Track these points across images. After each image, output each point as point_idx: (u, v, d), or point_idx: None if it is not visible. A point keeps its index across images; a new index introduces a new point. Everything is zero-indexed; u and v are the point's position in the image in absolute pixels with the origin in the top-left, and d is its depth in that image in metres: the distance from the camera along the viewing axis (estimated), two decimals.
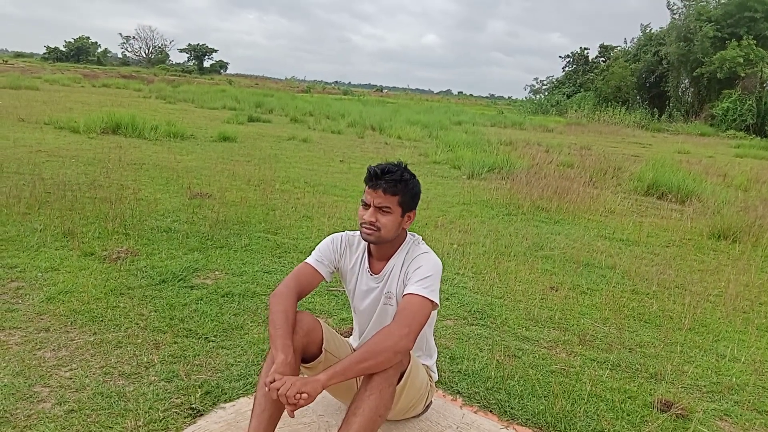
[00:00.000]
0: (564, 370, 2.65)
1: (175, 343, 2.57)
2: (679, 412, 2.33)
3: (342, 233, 2.09)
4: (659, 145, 18.21)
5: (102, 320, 2.73)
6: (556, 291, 3.79)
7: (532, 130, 21.05)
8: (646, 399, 2.44)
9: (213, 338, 2.65)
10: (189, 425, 1.97)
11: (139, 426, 1.92)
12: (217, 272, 3.54)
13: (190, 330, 2.70)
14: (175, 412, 2.04)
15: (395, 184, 1.85)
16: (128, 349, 2.48)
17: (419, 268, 1.88)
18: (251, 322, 2.87)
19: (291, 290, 1.87)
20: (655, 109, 32.29)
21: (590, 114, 30.07)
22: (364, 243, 2.04)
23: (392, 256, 1.98)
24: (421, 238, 2.04)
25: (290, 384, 1.55)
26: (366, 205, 1.89)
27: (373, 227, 1.87)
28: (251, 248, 4.07)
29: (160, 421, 1.97)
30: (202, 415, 2.04)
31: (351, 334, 2.28)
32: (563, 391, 2.44)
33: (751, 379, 2.72)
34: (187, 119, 13.10)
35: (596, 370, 2.67)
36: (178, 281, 3.30)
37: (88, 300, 2.92)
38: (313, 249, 2.05)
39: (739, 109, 27.74)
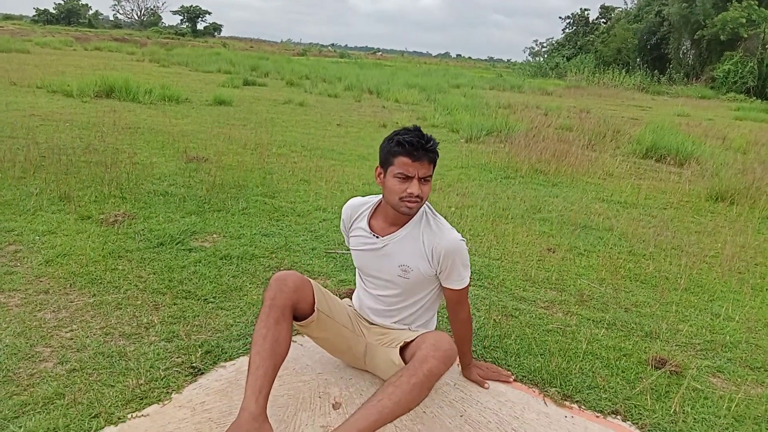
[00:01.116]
0: (560, 329, 2.68)
1: (175, 304, 2.58)
2: (672, 369, 2.37)
3: (349, 201, 2.11)
4: (659, 108, 18.06)
5: (101, 282, 2.73)
6: (554, 252, 3.81)
7: (531, 93, 20.83)
8: (640, 356, 2.47)
9: (212, 300, 2.66)
10: (190, 383, 2.00)
11: (141, 384, 1.95)
12: (215, 235, 3.54)
13: (189, 292, 2.71)
14: (176, 370, 2.06)
15: (432, 151, 1.82)
16: (128, 310, 2.49)
17: (454, 259, 1.89)
18: (250, 284, 2.88)
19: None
20: (656, 71, 31.93)
21: (590, 77, 29.72)
22: (369, 204, 2.04)
23: (405, 224, 1.94)
24: (431, 206, 2.02)
25: None
26: (406, 177, 1.81)
27: (419, 199, 1.84)
28: (249, 212, 4.06)
29: (162, 380, 1.99)
30: (202, 373, 2.07)
31: (350, 296, 2.29)
32: (559, 349, 2.47)
33: (744, 337, 2.76)
34: (182, 83, 12.92)
35: (592, 329, 2.70)
36: (176, 244, 3.30)
37: (87, 263, 2.92)
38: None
39: (740, 71, 27.43)
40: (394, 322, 2.05)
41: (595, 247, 3.98)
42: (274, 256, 3.28)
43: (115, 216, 3.62)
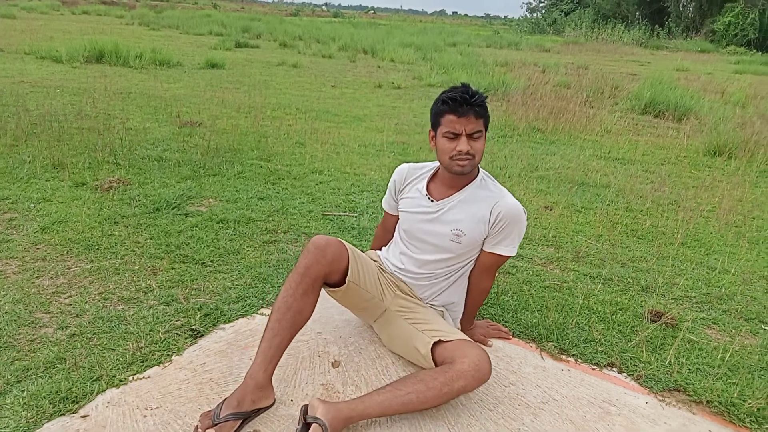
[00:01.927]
0: (557, 285, 2.70)
1: (173, 268, 2.58)
2: (668, 321, 2.39)
3: (404, 165, 2.09)
4: (658, 62, 17.81)
5: (98, 248, 2.73)
6: (551, 210, 3.80)
7: (529, 50, 20.50)
8: (636, 310, 2.49)
9: (210, 263, 2.67)
10: (190, 345, 2.01)
11: (141, 347, 1.96)
12: (211, 199, 3.52)
13: (187, 256, 2.71)
14: (176, 333, 2.07)
15: (479, 105, 1.77)
16: (126, 275, 2.49)
17: (512, 225, 1.86)
18: (247, 247, 2.88)
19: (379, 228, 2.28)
20: (656, 25, 31.37)
21: (588, 32, 29.21)
22: (427, 168, 2.01)
23: (463, 187, 1.91)
24: (490, 175, 1.99)
25: None
26: (454, 135, 1.78)
27: (469, 156, 1.80)
28: (244, 175, 4.04)
29: (162, 342, 2.00)
30: (202, 335, 2.08)
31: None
32: (556, 304, 2.49)
33: (739, 289, 2.78)
34: (173, 46, 12.68)
35: (589, 285, 2.72)
36: (172, 209, 3.28)
37: (83, 229, 2.92)
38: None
39: (740, 23, 26.96)
40: (428, 294, 2.01)
41: (592, 204, 3.98)
42: (270, 219, 3.27)
43: (110, 182, 3.59)
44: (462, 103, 1.75)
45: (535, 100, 7.64)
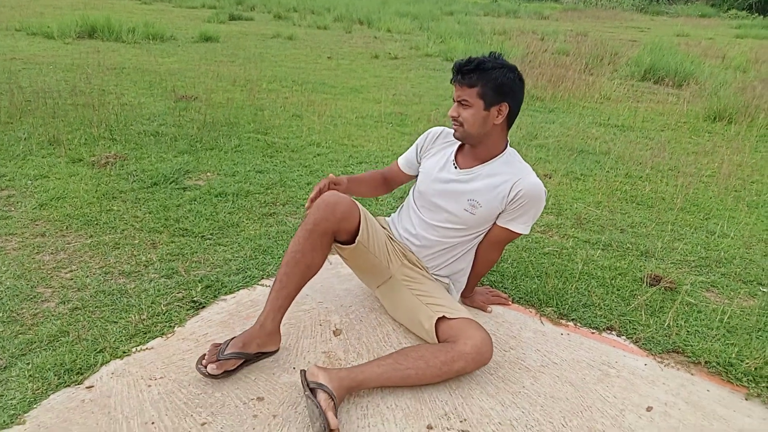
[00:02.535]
0: (557, 251, 2.70)
1: (172, 242, 2.59)
2: (667, 285, 2.40)
3: (438, 127, 2.09)
4: (658, 28, 17.57)
5: (97, 223, 2.73)
6: (550, 178, 3.79)
7: (527, 17, 20.20)
8: (635, 275, 2.51)
9: (209, 236, 2.67)
10: (192, 317, 2.03)
11: (143, 319, 1.97)
12: (208, 173, 3.51)
13: (186, 229, 2.71)
14: (178, 305, 2.09)
15: (469, 74, 1.75)
16: (126, 249, 2.50)
17: (530, 204, 1.86)
18: (246, 219, 2.88)
19: (380, 171, 2.18)
20: None
21: None
22: None
23: (487, 161, 1.90)
24: (519, 155, 1.97)
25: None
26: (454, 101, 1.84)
27: (456, 122, 1.82)
28: (241, 149, 4.01)
29: (164, 314, 2.02)
30: (204, 307, 2.10)
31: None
32: (556, 271, 2.50)
33: (738, 253, 2.79)
34: (165, 19, 12.47)
35: (588, 251, 2.72)
36: (170, 183, 3.27)
37: (81, 205, 2.91)
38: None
39: None
40: (434, 264, 2.02)
41: (591, 172, 3.96)
42: (269, 192, 3.26)
43: (107, 157, 3.57)
44: (456, 71, 1.79)
45: (534, 68, 7.56)
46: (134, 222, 2.77)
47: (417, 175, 2.09)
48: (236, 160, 3.75)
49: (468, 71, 1.76)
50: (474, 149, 1.91)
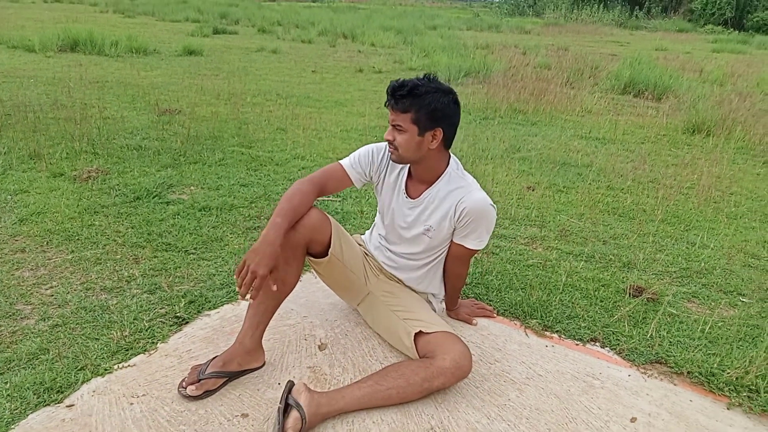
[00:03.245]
0: (540, 263, 2.72)
1: (155, 257, 2.56)
2: (650, 296, 2.43)
3: (385, 144, 1.91)
4: (637, 42, 17.89)
5: (78, 239, 2.69)
6: (533, 190, 3.83)
7: (509, 32, 20.46)
8: (618, 286, 2.53)
9: (193, 251, 2.65)
10: (175, 333, 2.00)
11: (126, 336, 1.95)
12: (192, 187, 3.49)
13: (169, 244, 2.69)
14: (161, 321, 2.06)
15: (401, 99, 1.69)
16: (108, 264, 2.47)
17: (479, 221, 1.82)
18: (231, 233, 2.86)
19: (312, 181, 1.81)
20: (635, 6, 31.43)
21: (568, 13, 29.19)
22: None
23: (433, 183, 1.87)
24: (461, 166, 1.92)
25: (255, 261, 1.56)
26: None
27: (391, 146, 1.78)
28: (226, 162, 4.00)
29: (146, 330, 1.99)
30: (187, 323, 2.07)
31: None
32: (540, 282, 2.52)
33: (719, 263, 2.83)
34: (149, 33, 12.44)
35: (572, 262, 2.75)
36: (153, 198, 3.24)
37: (62, 220, 2.87)
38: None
39: (718, 2, 27.16)
40: (406, 278, 2.03)
41: (574, 184, 4.01)
42: (253, 205, 3.25)
43: (89, 172, 3.53)
44: (390, 95, 1.72)
45: (516, 81, 7.65)
46: (116, 237, 2.74)
47: (357, 185, 1.97)
48: (220, 174, 3.74)
49: (401, 96, 1.69)
50: (417, 173, 1.88)
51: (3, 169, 3.54)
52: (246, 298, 1.57)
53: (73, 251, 2.57)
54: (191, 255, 2.61)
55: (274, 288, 1.59)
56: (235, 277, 1.58)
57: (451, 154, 1.89)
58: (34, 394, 1.64)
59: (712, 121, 5.83)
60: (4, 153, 3.81)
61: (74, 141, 4.14)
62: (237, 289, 1.57)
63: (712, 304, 2.44)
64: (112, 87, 6.39)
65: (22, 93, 5.66)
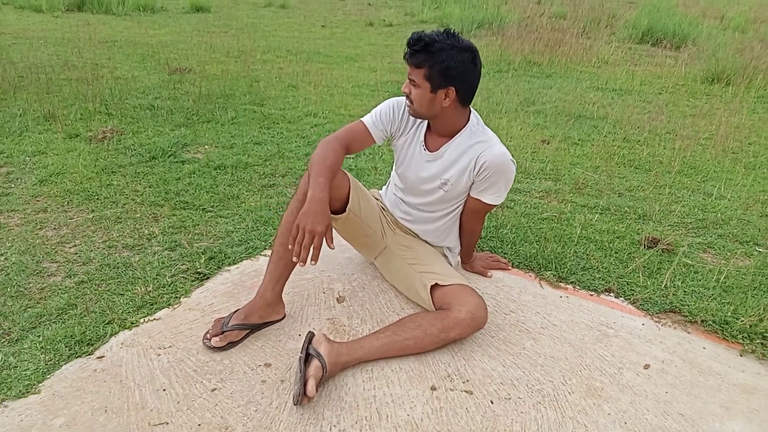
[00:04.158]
0: (555, 216, 2.73)
1: (174, 215, 2.60)
2: (665, 247, 2.43)
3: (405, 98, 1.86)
4: None
5: (98, 198, 2.74)
6: (548, 144, 3.79)
7: None
8: (633, 238, 2.54)
9: (210, 209, 2.68)
10: (197, 288, 2.06)
11: (149, 291, 2.00)
12: (206, 146, 3.50)
13: (187, 202, 2.73)
14: (183, 277, 2.11)
15: (416, 54, 1.65)
16: (128, 223, 2.51)
17: (497, 176, 1.81)
18: (246, 191, 2.89)
19: (338, 140, 1.80)
20: None
21: None
22: None
23: (452, 137, 1.84)
24: (482, 121, 1.88)
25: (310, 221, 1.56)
26: None
27: (408, 99, 1.77)
28: (238, 121, 4.00)
29: (169, 286, 2.04)
30: (208, 278, 2.12)
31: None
32: (554, 235, 2.53)
33: (735, 214, 2.81)
34: None
35: (586, 215, 2.75)
36: (169, 157, 3.27)
37: (81, 180, 2.91)
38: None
39: None
40: (422, 231, 2.04)
41: (589, 136, 3.96)
42: (267, 163, 3.27)
43: (104, 132, 3.56)
44: (407, 47, 1.69)
45: (531, 32, 7.47)
46: (135, 196, 2.78)
47: (378, 141, 1.94)
48: (233, 133, 3.75)
49: (415, 51, 1.65)
50: (435, 127, 1.86)
51: (20, 130, 3.58)
52: (306, 262, 1.55)
53: (93, 210, 2.62)
54: (209, 213, 2.64)
55: (333, 246, 1.60)
56: (289, 246, 1.57)
57: (472, 109, 1.87)
58: (66, 347, 1.71)
59: (732, 70, 5.69)
60: (20, 114, 3.84)
61: (87, 101, 4.15)
62: (294, 259, 1.56)
63: (728, 254, 2.45)
64: (121, 46, 6.36)
65: (33, 54, 5.66)
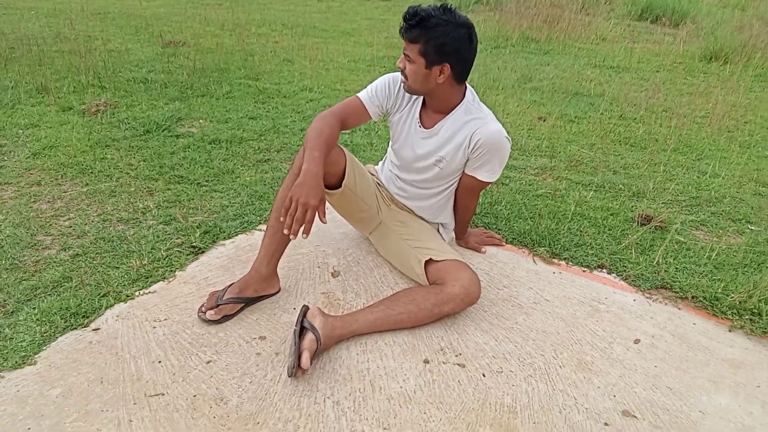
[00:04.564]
0: (550, 193, 2.73)
1: (168, 189, 2.59)
2: (658, 224, 2.45)
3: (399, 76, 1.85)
4: None
5: (92, 172, 2.73)
6: (544, 121, 3.78)
7: None
8: (627, 215, 2.55)
9: (205, 183, 2.68)
10: (192, 261, 2.06)
11: (144, 264, 2.01)
12: (201, 120, 3.48)
13: (181, 176, 2.72)
14: (177, 250, 2.12)
15: (411, 29, 1.63)
16: (122, 197, 2.51)
17: (492, 153, 1.80)
18: (241, 166, 2.88)
19: (334, 115, 1.78)
20: None
21: None
22: None
23: (447, 113, 1.83)
24: (477, 98, 1.87)
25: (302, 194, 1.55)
26: None
27: (403, 75, 1.75)
28: (233, 95, 3.97)
29: (164, 259, 2.05)
30: (203, 252, 2.13)
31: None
32: (549, 212, 2.54)
33: (729, 192, 2.83)
34: None
35: (581, 192, 2.76)
36: (163, 131, 3.25)
37: (75, 153, 2.90)
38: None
39: None
40: (416, 207, 2.05)
41: (586, 114, 3.95)
42: (263, 138, 3.25)
43: (97, 105, 3.53)
44: (403, 21, 1.67)
45: (529, 8, 7.39)
46: (129, 170, 2.77)
47: (374, 117, 1.93)
48: (228, 107, 3.72)
49: (410, 26, 1.63)
50: (431, 103, 1.85)
51: (12, 103, 3.54)
52: (298, 236, 1.55)
53: (87, 184, 2.61)
54: (203, 187, 2.64)
55: (325, 221, 1.60)
56: (281, 218, 1.56)
57: (468, 86, 1.86)
58: (62, 319, 1.71)
59: (730, 48, 5.66)
60: (12, 87, 3.79)
61: (80, 74, 4.10)
62: (285, 231, 1.55)
63: (720, 231, 2.46)
64: (114, 18, 6.26)
65: (23, 25, 5.57)
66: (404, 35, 1.67)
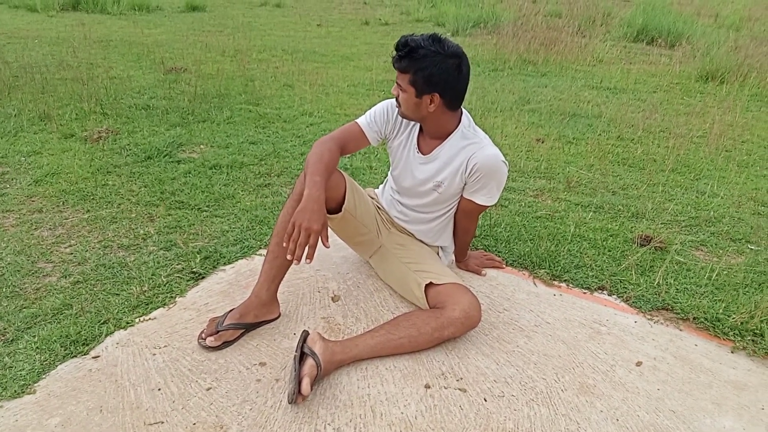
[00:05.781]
0: (549, 215, 2.74)
1: (169, 215, 2.61)
2: (657, 245, 2.45)
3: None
4: None
5: (93, 198, 2.74)
6: (543, 142, 3.81)
7: None
8: (626, 236, 2.55)
9: (206, 208, 2.69)
10: (192, 287, 2.06)
11: (145, 291, 2.01)
12: (201, 146, 3.51)
13: (182, 202, 2.73)
14: (178, 276, 2.12)
15: (401, 59, 1.66)
16: (123, 223, 2.52)
17: (489, 177, 1.82)
18: (242, 191, 2.90)
19: (334, 140, 1.80)
20: None
21: None
22: None
23: (444, 139, 1.85)
24: (473, 122, 1.89)
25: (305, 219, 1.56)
26: None
27: (397, 102, 1.78)
28: (234, 120, 4.00)
29: (164, 285, 2.05)
30: (203, 277, 2.13)
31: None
32: (548, 234, 2.54)
33: (728, 212, 2.83)
34: None
35: (580, 213, 2.76)
36: (164, 157, 3.27)
37: (76, 180, 2.92)
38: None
39: None
40: (416, 230, 2.06)
41: (584, 135, 3.98)
42: (263, 163, 3.27)
43: (99, 132, 3.56)
44: (394, 53, 1.70)
45: (527, 31, 7.49)
46: (130, 196, 2.78)
47: (373, 143, 1.96)
48: (229, 132, 3.75)
49: (400, 56, 1.66)
50: (427, 129, 1.87)
51: (15, 130, 3.57)
52: (301, 261, 1.56)
53: (88, 211, 2.63)
54: (204, 212, 2.65)
55: (328, 245, 1.61)
56: (284, 244, 1.58)
57: (464, 110, 1.88)
58: (61, 347, 1.71)
59: (726, 68, 5.71)
60: (15, 115, 3.83)
61: (83, 101, 4.15)
62: (288, 256, 1.56)
63: (720, 251, 2.46)
64: (116, 46, 6.35)
65: (27, 54, 5.64)
66: (395, 65, 1.70)
